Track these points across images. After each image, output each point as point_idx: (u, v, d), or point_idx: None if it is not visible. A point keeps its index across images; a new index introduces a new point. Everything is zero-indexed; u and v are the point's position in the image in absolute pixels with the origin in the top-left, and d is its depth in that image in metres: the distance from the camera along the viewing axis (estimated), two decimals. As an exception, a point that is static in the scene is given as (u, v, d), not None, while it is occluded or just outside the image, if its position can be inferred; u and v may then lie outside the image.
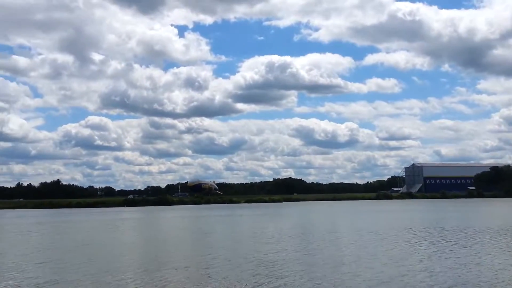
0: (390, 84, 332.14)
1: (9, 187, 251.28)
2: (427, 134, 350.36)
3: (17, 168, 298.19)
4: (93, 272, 24.65)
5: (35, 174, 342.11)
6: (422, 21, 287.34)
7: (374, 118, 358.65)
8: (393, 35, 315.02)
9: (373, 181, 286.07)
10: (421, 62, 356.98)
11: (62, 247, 38.27)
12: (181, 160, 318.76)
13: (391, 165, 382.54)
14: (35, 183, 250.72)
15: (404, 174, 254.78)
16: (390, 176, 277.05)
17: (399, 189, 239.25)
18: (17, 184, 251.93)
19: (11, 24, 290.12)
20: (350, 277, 21.59)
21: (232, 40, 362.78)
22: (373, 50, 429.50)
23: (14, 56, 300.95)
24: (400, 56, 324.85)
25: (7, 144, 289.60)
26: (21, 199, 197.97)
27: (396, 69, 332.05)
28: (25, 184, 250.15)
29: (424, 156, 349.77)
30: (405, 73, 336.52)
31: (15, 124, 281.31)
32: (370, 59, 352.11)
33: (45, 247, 38.47)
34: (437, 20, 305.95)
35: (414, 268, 24.00)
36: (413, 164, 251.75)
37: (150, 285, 21.17)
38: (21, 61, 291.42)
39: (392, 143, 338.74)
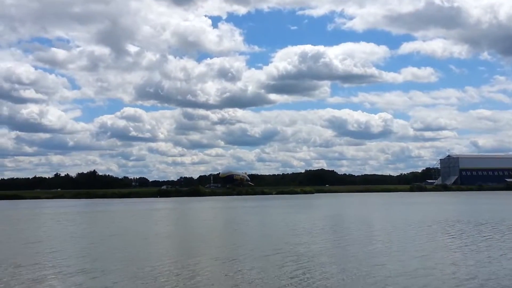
0: (426, 73, 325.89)
1: (47, 177, 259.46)
2: (464, 125, 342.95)
3: (55, 158, 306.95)
4: (123, 261, 25.35)
5: (73, 165, 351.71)
6: (461, 7, 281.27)
7: (409, 108, 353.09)
8: (430, 23, 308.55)
9: (407, 173, 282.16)
10: (459, 50, 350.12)
11: (96, 236, 39.39)
12: (213, 151, 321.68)
13: (425, 156, 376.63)
14: (73, 173, 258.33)
15: (439, 166, 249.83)
16: (424, 168, 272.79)
17: (434, 181, 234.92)
18: (55, 175, 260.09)
19: (50, 17, 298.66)
20: (377, 269, 21.53)
21: (265, 30, 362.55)
22: (409, 38, 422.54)
23: (53, 49, 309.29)
24: (437, 44, 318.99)
25: (46, 135, 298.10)
26: (59, 189, 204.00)
27: (433, 57, 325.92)
28: (62, 174, 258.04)
29: (460, 147, 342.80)
30: (442, 61, 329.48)
31: (54, 115, 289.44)
32: (406, 47, 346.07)
33: (80, 236, 39.68)
34: (476, 6, 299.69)
35: (444, 261, 23.74)
36: (448, 156, 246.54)
37: (180, 274, 21.64)
38: (60, 53, 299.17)
39: (428, 133, 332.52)
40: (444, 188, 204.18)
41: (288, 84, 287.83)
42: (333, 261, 24.37)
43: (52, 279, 20.96)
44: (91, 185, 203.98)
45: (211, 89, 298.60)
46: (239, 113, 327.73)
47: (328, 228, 42.39)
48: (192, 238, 37.67)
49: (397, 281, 19.23)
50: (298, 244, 30.62)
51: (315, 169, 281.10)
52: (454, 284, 18.83)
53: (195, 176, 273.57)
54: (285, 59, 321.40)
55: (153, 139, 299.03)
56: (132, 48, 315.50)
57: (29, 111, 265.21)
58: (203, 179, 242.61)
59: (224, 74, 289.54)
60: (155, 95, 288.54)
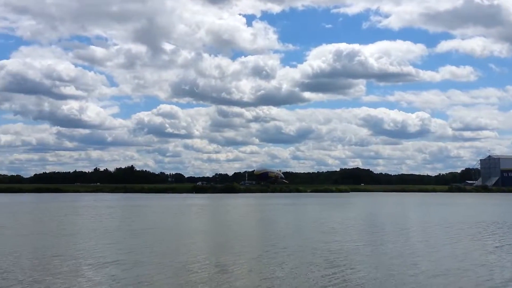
0: (465, 72, 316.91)
1: (87, 171, 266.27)
2: (505, 125, 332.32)
3: (95, 154, 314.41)
4: (156, 254, 25.89)
5: (111, 160, 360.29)
6: (501, 5, 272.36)
7: (447, 108, 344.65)
8: (469, 21, 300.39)
9: (445, 173, 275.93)
10: (499, 48, 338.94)
11: (131, 229, 40.29)
12: (248, 148, 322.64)
13: (465, 156, 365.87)
14: (111, 168, 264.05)
15: (479, 167, 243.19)
16: (464, 168, 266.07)
17: (474, 182, 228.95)
18: (94, 169, 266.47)
19: (89, 16, 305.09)
20: (409, 269, 21.28)
21: (299, 29, 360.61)
22: (447, 36, 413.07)
23: (92, 47, 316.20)
24: (476, 42, 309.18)
25: (86, 131, 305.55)
26: (98, 184, 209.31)
27: (472, 56, 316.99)
28: (101, 169, 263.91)
29: (501, 148, 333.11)
30: (482, 60, 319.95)
31: (93, 111, 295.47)
32: (444, 46, 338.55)
33: (115, 229, 40.67)
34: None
35: (477, 262, 23.22)
36: (489, 156, 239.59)
37: (211, 269, 21.96)
38: (98, 51, 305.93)
39: (467, 133, 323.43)
40: (484, 189, 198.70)
41: (322, 82, 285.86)
42: (364, 259, 24.20)
43: (86, 270, 21.62)
44: (129, 180, 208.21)
45: (246, 87, 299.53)
46: (273, 111, 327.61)
47: (363, 227, 42.09)
48: (226, 234, 38.02)
49: (429, 282, 18.96)
50: (331, 242, 30.54)
51: (350, 168, 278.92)
52: (487, 286, 18.41)
53: (230, 173, 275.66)
54: (320, 58, 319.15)
55: (189, 136, 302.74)
56: (168, 46, 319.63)
57: (69, 107, 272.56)
58: (238, 176, 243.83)
59: (259, 72, 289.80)
60: (190, 92, 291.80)
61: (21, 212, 65.72)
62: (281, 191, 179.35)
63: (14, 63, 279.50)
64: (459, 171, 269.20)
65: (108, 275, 20.40)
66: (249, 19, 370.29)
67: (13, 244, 30.09)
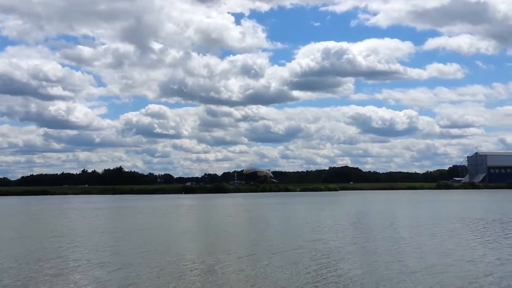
0: (452, 69, 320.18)
1: (75, 173, 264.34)
2: (491, 122, 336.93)
3: (82, 155, 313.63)
4: (144, 255, 25.80)
5: (99, 161, 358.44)
6: (488, 2, 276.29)
7: (435, 105, 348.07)
8: (456, 18, 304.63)
9: (433, 171, 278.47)
10: (486, 45, 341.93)
11: (119, 231, 40.09)
12: (237, 148, 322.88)
13: (452, 154, 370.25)
14: (99, 169, 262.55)
15: (466, 163, 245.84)
16: (451, 165, 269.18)
17: (461, 179, 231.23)
18: (82, 171, 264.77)
19: (76, 15, 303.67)
20: (395, 265, 21.43)
21: (288, 27, 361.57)
22: (434, 34, 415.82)
23: (79, 46, 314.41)
24: (463, 39, 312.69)
25: (73, 132, 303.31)
26: (86, 185, 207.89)
27: (459, 53, 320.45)
28: (89, 170, 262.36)
29: (488, 145, 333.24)
30: (469, 57, 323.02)
31: (80, 112, 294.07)
32: (431, 43, 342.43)
33: (102, 231, 40.42)
34: (503, 1, 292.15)
35: (462, 258, 23.43)
36: (476, 153, 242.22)
37: (200, 269, 21.94)
38: (86, 50, 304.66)
39: (454, 131, 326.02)
40: (471, 186, 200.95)
41: (311, 80, 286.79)
42: (352, 257, 24.30)
43: (72, 273, 21.46)
44: (117, 181, 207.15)
45: (234, 86, 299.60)
46: (262, 110, 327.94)
47: (350, 225, 42.23)
48: (215, 233, 37.96)
49: (412, 277, 19.11)
50: (318, 241, 30.64)
51: (339, 166, 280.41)
52: (469, 281, 18.60)
53: (219, 173, 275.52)
54: (308, 56, 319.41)
55: (178, 136, 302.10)
56: (156, 45, 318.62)
57: (56, 108, 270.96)
58: (227, 176, 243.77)
59: (247, 71, 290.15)
60: (178, 92, 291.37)
61: (5, 215, 65.14)
62: (270, 190, 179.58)
63: (0, 64, 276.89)
64: (446, 168, 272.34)
65: (94, 278, 20.28)
66: (238, 18, 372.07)
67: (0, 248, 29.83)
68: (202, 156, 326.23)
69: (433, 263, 22.06)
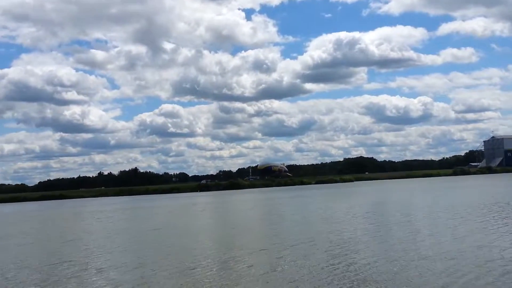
0: (466, 53, 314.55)
1: (91, 176, 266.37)
2: (508, 105, 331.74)
3: (98, 158, 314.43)
4: (159, 254, 25.98)
5: (115, 163, 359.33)
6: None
7: (450, 91, 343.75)
8: (469, 2, 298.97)
9: (450, 157, 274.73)
10: (501, 28, 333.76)
11: (135, 231, 40.42)
12: (251, 143, 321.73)
13: (468, 139, 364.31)
14: (115, 171, 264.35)
15: (483, 148, 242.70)
16: (467, 151, 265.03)
17: (478, 164, 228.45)
18: (98, 173, 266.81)
19: (88, 20, 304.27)
20: (409, 253, 21.33)
21: (299, 20, 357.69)
22: (448, 19, 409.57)
23: (92, 50, 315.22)
24: (477, 23, 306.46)
25: (88, 135, 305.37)
26: (103, 188, 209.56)
27: (473, 37, 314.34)
28: (105, 172, 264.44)
29: (504, 128, 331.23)
30: (483, 41, 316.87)
31: (95, 115, 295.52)
32: (445, 28, 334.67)
33: (117, 232, 40.80)
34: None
35: (476, 243, 23.23)
36: (492, 137, 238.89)
37: (218, 265, 22.03)
38: (99, 54, 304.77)
39: (470, 115, 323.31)
40: (488, 170, 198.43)
41: (323, 72, 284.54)
42: (371, 248, 24.17)
43: (87, 276, 21.69)
44: (133, 182, 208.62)
45: (247, 82, 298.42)
46: (275, 104, 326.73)
47: (367, 215, 42.02)
48: (233, 230, 38.07)
49: (424, 264, 18.98)
50: (341, 233, 30.51)
51: (354, 157, 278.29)
52: (486, 267, 18.42)
53: (234, 169, 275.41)
54: (320, 48, 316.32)
55: (191, 134, 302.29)
56: (167, 45, 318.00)
57: (71, 112, 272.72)
58: (242, 172, 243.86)
59: (259, 66, 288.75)
60: (191, 90, 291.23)
61: (23, 221, 66.04)
62: (285, 184, 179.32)
63: (15, 71, 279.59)
64: (463, 154, 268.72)
65: (108, 280, 20.47)
66: (248, 13, 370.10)
67: (19, 253, 30.25)
68: (217, 153, 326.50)
69: (448, 249, 21.89)
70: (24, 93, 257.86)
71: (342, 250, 23.63)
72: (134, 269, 22.12)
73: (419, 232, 28.57)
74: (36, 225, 55.76)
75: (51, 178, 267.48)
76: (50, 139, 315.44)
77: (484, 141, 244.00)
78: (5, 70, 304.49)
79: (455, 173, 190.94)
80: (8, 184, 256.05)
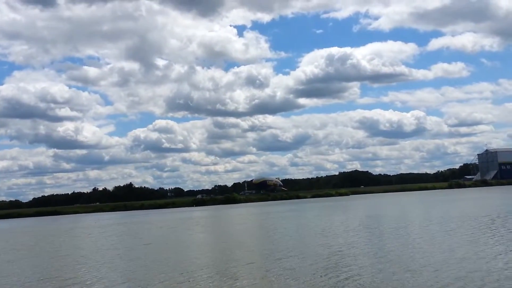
0: (457, 68, 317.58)
1: (86, 192, 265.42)
2: (500, 118, 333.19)
3: (92, 173, 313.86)
4: (147, 269, 25.91)
5: (109, 179, 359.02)
6: (489, 0, 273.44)
7: (442, 105, 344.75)
8: (458, 17, 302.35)
9: (444, 170, 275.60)
10: (490, 43, 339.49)
11: (127, 246, 40.26)
12: (246, 158, 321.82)
13: (462, 152, 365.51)
14: (110, 187, 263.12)
15: (477, 161, 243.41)
16: (462, 164, 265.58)
17: (473, 177, 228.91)
18: (93, 189, 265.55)
19: (80, 37, 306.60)
20: (404, 265, 21.41)
21: (290, 36, 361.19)
22: (437, 34, 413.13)
23: (85, 67, 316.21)
24: (467, 38, 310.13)
25: (83, 151, 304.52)
26: (98, 203, 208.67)
27: (463, 52, 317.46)
28: (100, 188, 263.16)
29: (498, 141, 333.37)
30: (473, 55, 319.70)
31: (89, 131, 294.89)
32: (435, 44, 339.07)
33: (107, 248, 40.62)
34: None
35: (459, 256, 23.31)
36: (486, 150, 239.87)
37: (214, 279, 21.98)
38: (91, 71, 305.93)
39: (463, 129, 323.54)
40: (483, 183, 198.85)
41: (316, 87, 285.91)
42: (367, 261, 24.15)
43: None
44: (128, 198, 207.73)
45: (240, 97, 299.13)
46: (269, 119, 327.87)
47: (363, 228, 42.05)
48: (230, 243, 37.89)
49: (408, 276, 19.05)
50: (338, 247, 30.39)
51: (349, 170, 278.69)
52: (460, 276, 18.51)
53: (229, 184, 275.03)
54: (312, 63, 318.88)
55: (186, 149, 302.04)
56: (160, 62, 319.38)
57: (65, 128, 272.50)
58: (238, 187, 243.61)
59: (252, 82, 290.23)
60: (185, 106, 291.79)
61: (16, 237, 65.61)
62: (281, 198, 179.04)
63: (8, 88, 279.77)
64: (457, 167, 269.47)
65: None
66: (240, 30, 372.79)
67: (5, 269, 30.11)
68: (212, 168, 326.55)
69: (435, 261, 21.95)
70: (17, 110, 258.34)
71: (340, 265, 23.55)
72: (121, 283, 22.04)
73: (408, 245, 28.62)
74: (28, 241, 55.39)
75: (46, 194, 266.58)
76: (43, 155, 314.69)
77: (478, 154, 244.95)
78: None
79: (450, 186, 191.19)
80: (2, 201, 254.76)
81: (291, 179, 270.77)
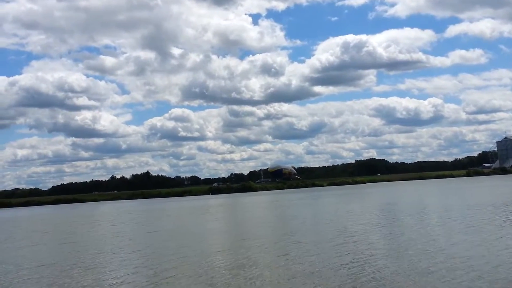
0: (475, 55, 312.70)
1: (104, 180, 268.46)
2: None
3: (110, 162, 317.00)
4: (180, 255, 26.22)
5: (127, 167, 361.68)
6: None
7: (460, 92, 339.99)
8: (476, 3, 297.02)
9: (462, 158, 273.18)
10: (509, 29, 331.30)
11: (137, 233, 40.77)
12: (262, 146, 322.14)
13: (481, 140, 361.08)
14: (127, 175, 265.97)
15: (496, 149, 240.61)
16: (480, 152, 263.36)
17: (491, 164, 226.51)
18: (111, 177, 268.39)
19: (97, 27, 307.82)
20: (424, 256, 21.38)
21: (305, 24, 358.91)
22: (455, 20, 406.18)
23: (101, 56, 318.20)
24: (485, 24, 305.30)
25: (100, 140, 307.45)
26: (116, 191, 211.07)
27: (481, 38, 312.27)
28: (118, 176, 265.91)
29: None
30: (492, 42, 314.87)
31: (106, 120, 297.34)
32: (452, 30, 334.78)
33: (123, 235, 41.14)
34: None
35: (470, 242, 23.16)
36: (505, 138, 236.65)
37: (229, 267, 22.20)
38: (108, 60, 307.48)
39: (481, 116, 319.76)
40: (502, 171, 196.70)
41: (332, 75, 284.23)
42: (385, 250, 24.19)
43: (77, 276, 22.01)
44: (145, 186, 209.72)
45: (255, 86, 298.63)
46: (284, 107, 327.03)
47: (380, 216, 41.95)
48: (247, 230, 38.12)
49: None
50: (354, 235, 30.55)
51: (365, 158, 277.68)
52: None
53: (245, 172, 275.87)
54: (328, 51, 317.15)
55: (202, 138, 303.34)
56: (176, 51, 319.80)
57: (82, 117, 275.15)
58: (254, 175, 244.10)
59: (268, 70, 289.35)
60: (200, 95, 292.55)
61: (37, 224, 66.74)
62: (297, 186, 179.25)
63: (26, 78, 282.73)
64: (476, 154, 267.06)
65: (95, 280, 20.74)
66: (255, 18, 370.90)
67: (45, 255, 30.72)
68: (228, 156, 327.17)
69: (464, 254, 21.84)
70: (35, 99, 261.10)
71: (356, 254, 23.62)
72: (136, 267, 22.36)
73: (435, 234, 28.46)
74: (48, 228, 56.33)
75: (64, 182, 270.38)
76: (62, 144, 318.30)
77: (497, 141, 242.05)
78: (16, 77, 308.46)
79: (468, 174, 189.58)
80: (23, 189, 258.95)
81: (307, 167, 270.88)
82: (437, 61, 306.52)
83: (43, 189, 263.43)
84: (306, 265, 20.71)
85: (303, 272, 19.23)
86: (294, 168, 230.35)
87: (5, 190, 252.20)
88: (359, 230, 31.68)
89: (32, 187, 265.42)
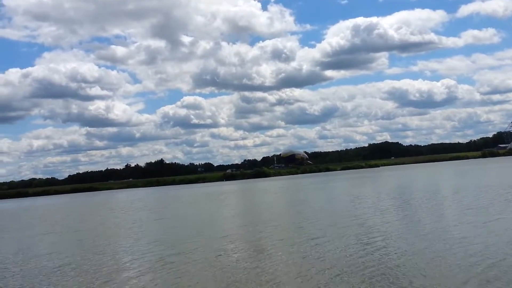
0: (488, 34, 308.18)
1: (119, 168, 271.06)
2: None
3: (125, 150, 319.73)
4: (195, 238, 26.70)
5: (141, 155, 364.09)
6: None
7: (474, 72, 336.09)
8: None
9: (477, 139, 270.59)
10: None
11: (143, 219, 41.38)
12: (274, 132, 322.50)
13: (495, 120, 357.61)
14: (142, 163, 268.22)
15: (511, 129, 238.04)
16: (495, 132, 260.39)
17: (507, 145, 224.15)
18: (125, 166, 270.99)
19: (107, 17, 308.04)
20: (434, 236, 21.56)
21: (315, 8, 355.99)
22: (467, 0, 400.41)
23: (112, 46, 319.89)
24: (497, 3, 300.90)
25: (114, 129, 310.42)
26: (131, 179, 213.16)
27: (494, 17, 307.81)
28: (132, 164, 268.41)
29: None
30: (504, 21, 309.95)
31: (119, 109, 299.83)
32: (464, 10, 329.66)
33: (136, 222, 41.79)
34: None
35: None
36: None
37: (245, 246, 22.59)
38: (119, 50, 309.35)
39: (496, 97, 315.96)
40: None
41: (343, 59, 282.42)
42: (399, 234, 24.42)
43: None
44: (160, 173, 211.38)
45: (266, 71, 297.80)
46: (296, 92, 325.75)
47: (395, 200, 42.07)
48: (263, 213, 38.55)
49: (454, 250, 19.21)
50: (369, 218, 30.80)
51: (378, 142, 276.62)
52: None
53: (259, 158, 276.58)
54: (338, 34, 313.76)
55: (215, 125, 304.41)
56: (186, 39, 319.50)
57: (96, 107, 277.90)
58: (267, 160, 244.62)
59: (278, 55, 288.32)
60: (212, 82, 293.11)
61: (54, 213, 67.86)
62: (311, 171, 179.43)
63: (39, 70, 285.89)
64: (490, 135, 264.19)
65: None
66: (264, 4, 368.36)
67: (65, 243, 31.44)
68: (241, 142, 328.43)
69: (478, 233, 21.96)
70: (49, 90, 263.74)
71: (365, 233, 23.85)
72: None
73: (448, 216, 28.57)
74: (65, 216, 57.35)
75: (80, 172, 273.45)
76: (77, 133, 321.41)
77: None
78: (29, 69, 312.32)
79: (483, 156, 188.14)
80: (39, 178, 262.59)
81: (320, 152, 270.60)
82: (450, 41, 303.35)
83: (59, 178, 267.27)
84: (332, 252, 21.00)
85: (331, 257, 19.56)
86: (307, 153, 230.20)
87: (22, 180, 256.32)
88: (390, 209, 31.88)
89: (48, 177, 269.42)
